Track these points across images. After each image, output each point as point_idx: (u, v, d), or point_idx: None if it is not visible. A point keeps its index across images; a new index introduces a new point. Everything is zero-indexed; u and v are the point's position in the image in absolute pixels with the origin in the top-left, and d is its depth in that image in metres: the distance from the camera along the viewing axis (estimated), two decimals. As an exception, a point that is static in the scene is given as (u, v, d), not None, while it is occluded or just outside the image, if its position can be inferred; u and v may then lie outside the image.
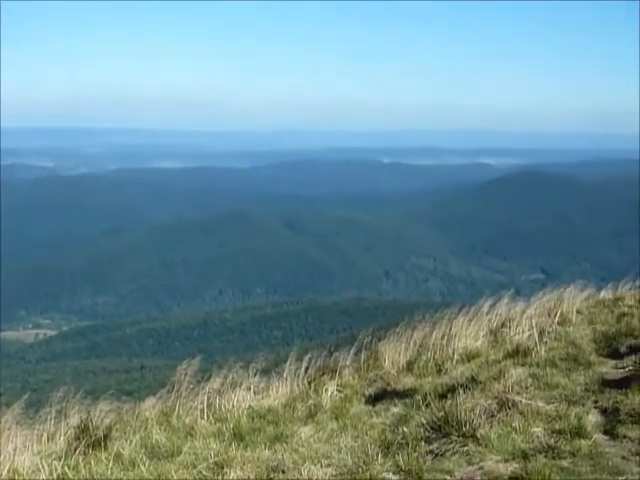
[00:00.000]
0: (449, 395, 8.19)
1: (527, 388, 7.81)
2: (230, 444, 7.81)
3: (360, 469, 6.45)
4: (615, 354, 9.15)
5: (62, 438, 8.30)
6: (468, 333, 11.61)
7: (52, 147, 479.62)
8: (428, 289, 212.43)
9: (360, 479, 6.31)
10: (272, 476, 6.69)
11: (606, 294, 14.41)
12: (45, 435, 8.49)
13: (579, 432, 6.37)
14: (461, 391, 7.96)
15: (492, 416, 7.02)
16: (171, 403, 9.62)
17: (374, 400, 9.36)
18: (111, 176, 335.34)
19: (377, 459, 6.56)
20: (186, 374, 9.90)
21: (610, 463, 5.93)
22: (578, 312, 12.21)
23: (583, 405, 7.18)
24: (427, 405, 8.07)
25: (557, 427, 6.55)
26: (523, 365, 9.02)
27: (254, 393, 10.16)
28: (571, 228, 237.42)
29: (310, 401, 9.49)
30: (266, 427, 8.48)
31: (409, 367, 10.70)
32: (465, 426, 6.66)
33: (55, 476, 7.12)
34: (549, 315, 11.93)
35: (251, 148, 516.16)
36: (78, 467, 7.33)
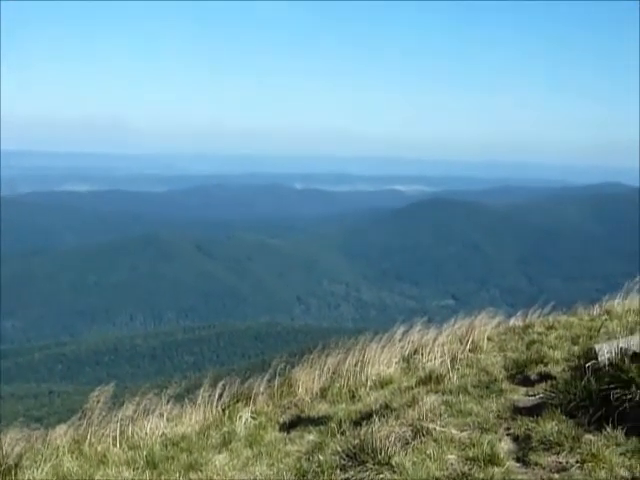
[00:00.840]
0: (364, 422, 8.19)
1: (441, 415, 7.86)
2: (143, 472, 7.70)
3: (275, 498, 6.41)
4: (526, 381, 9.28)
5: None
6: (381, 360, 11.65)
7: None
8: (340, 314, 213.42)
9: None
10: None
11: (516, 321, 14.61)
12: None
13: (492, 459, 6.44)
14: (376, 418, 7.97)
15: (407, 443, 7.04)
16: (83, 430, 9.45)
17: (289, 427, 9.33)
18: (24, 199, 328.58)
19: (292, 488, 6.54)
20: (98, 401, 9.74)
21: (522, 490, 6.02)
22: (489, 339, 12.35)
23: (496, 432, 7.25)
24: (342, 432, 8.08)
25: (470, 454, 6.60)
26: (436, 392, 9.08)
27: (167, 420, 10.04)
28: (480, 254, 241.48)
29: (224, 428, 9.42)
30: (180, 455, 8.39)
31: (323, 394, 10.69)
32: (380, 454, 6.66)
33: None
34: (461, 342, 12.05)
35: (165, 172, 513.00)
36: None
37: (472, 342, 11.92)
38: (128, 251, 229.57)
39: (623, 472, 5.98)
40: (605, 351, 7.44)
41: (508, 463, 6.44)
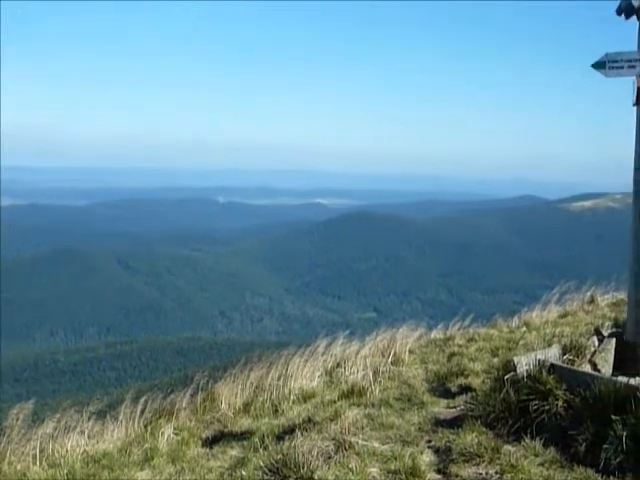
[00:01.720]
0: (286, 437, 8.19)
1: (363, 429, 7.90)
2: (64, 491, 7.58)
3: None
4: (447, 393, 9.39)
5: None
6: (304, 373, 11.65)
7: None
8: (264, 328, 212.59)
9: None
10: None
11: (437, 334, 14.78)
12: None
13: (413, 472, 6.49)
14: (298, 432, 7.97)
15: (329, 457, 7.06)
16: (2, 449, 9.23)
17: (211, 443, 9.26)
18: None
19: (215, 504, 6.50)
20: (18, 418, 9.55)
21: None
22: (411, 352, 12.45)
23: (417, 445, 7.32)
24: (265, 447, 8.05)
25: (392, 467, 6.65)
26: (358, 405, 9.11)
27: (88, 437, 9.89)
28: (402, 267, 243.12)
29: (146, 445, 9.30)
30: (101, 472, 8.26)
31: (246, 408, 10.64)
32: (303, 468, 6.66)
33: None
34: (383, 355, 12.12)
35: (86, 185, 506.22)
36: None
37: (394, 355, 12.00)
38: (48, 265, 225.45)
39: (541, 482, 6.09)
40: (523, 363, 7.57)
41: (429, 475, 6.51)
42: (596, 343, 8.78)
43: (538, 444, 6.72)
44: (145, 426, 10.23)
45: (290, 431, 8.46)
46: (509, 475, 6.20)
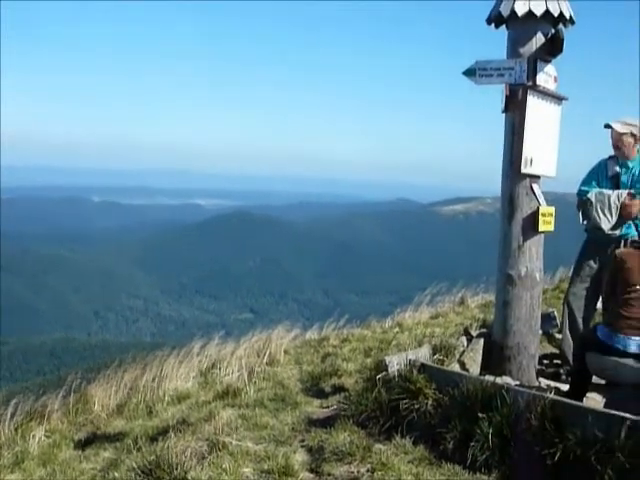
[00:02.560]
0: (160, 438, 8.16)
1: (237, 429, 7.92)
2: None
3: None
4: (320, 393, 9.50)
5: None
6: (179, 374, 11.61)
7: None
8: (139, 329, 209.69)
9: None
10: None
11: (312, 334, 14.91)
12: None
13: (286, 471, 6.55)
14: (172, 434, 7.96)
15: (203, 458, 7.07)
16: None
17: (84, 445, 9.16)
18: None
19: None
20: None
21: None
22: (286, 352, 12.54)
23: (290, 445, 7.39)
24: (138, 449, 8.01)
25: (266, 467, 6.68)
26: (233, 406, 9.12)
27: (-44, 441, 9.65)
28: (279, 268, 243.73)
29: (17, 448, 9.14)
30: (-32, 477, 8.09)
31: (120, 410, 10.54)
32: (176, 469, 6.65)
33: None
34: (258, 355, 12.17)
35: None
36: None
37: (269, 355, 12.07)
38: None
39: (410, 479, 6.23)
40: (395, 363, 7.71)
41: (302, 474, 6.57)
42: (465, 343, 9.04)
43: (408, 442, 6.86)
44: (15, 429, 10.03)
45: (164, 432, 8.43)
46: (380, 473, 6.31)
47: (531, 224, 8.33)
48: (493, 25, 8.40)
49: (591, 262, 9.42)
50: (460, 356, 8.62)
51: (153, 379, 11.36)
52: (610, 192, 9.07)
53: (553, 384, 8.78)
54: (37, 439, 9.42)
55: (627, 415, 5.79)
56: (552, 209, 8.43)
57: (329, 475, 6.53)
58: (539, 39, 8.15)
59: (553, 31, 8.16)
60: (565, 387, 8.43)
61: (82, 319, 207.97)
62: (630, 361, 7.51)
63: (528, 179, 8.32)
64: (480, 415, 6.56)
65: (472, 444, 6.39)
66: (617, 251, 8.29)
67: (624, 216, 8.97)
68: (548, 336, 11.06)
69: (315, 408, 8.81)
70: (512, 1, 7.98)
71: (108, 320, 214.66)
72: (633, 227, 8.90)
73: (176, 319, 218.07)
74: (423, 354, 8.16)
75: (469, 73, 8.44)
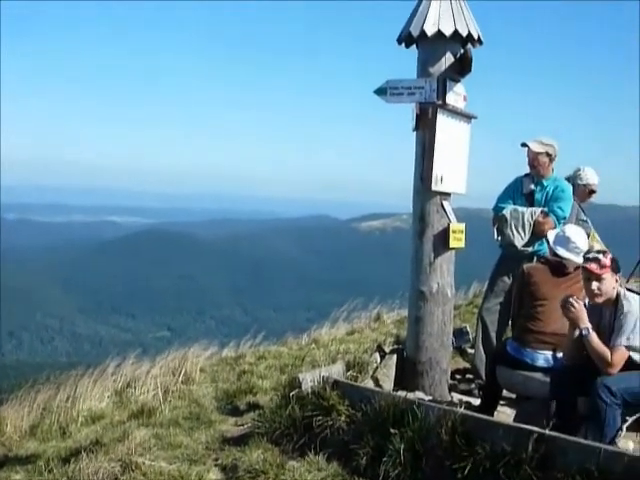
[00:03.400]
0: (72, 459, 8.04)
1: (151, 449, 7.85)
2: None
3: None
4: (235, 411, 9.49)
5: None
6: (93, 394, 11.45)
7: None
8: (54, 349, 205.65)
9: None
10: None
11: (229, 352, 14.89)
12: None
13: (200, 490, 6.54)
14: (84, 455, 7.86)
15: (116, 479, 7.01)
16: None
17: (-5, 468, 8.99)
18: None
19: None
20: None
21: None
22: (202, 370, 12.48)
23: (204, 463, 7.35)
24: (49, 470, 7.87)
25: (179, 486, 6.67)
26: (147, 426, 9.04)
27: None
28: (196, 286, 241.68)
29: None
30: None
31: (33, 431, 10.35)
32: (88, 491, 6.59)
33: None
34: (174, 374, 12.08)
35: None
36: None
37: (185, 374, 11.98)
38: None
39: (323, 496, 6.27)
40: (308, 380, 7.74)
41: (215, 493, 6.58)
42: (378, 359, 9.13)
43: (321, 459, 6.86)
44: None
45: (77, 453, 8.29)
46: (293, 490, 6.34)
47: (442, 241, 8.47)
48: (404, 45, 8.54)
49: (505, 277, 9.62)
50: (373, 372, 8.70)
51: (67, 399, 11.19)
52: (524, 209, 9.29)
53: (465, 399, 8.93)
54: (-55, 463, 9.21)
55: (534, 428, 5.91)
56: (462, 226, 8.58)
57: (242, 493, 6.53)
58: (448, 59, 8.32)
59: (462, 51, 8.34)
60: (477, 401, 8.58)
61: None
62: (538, 375, 7.68)
63: (439, 196, 8.46)
64: (392, 431, 6.61)
65: (384, 459, 6.43)
66: (524, 265, 8.47)
67: (537, 233, 9.20)
68: (461, 351, 11.25)
69: (230, 426, 8.79)
70: (422, 21, 8.13)
71: (23, 340, 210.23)
72: (545, 244, 9.14)
73: (92, 338, 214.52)
74: (337, 370, 8.21)
75: (380, 92, 8.56)
